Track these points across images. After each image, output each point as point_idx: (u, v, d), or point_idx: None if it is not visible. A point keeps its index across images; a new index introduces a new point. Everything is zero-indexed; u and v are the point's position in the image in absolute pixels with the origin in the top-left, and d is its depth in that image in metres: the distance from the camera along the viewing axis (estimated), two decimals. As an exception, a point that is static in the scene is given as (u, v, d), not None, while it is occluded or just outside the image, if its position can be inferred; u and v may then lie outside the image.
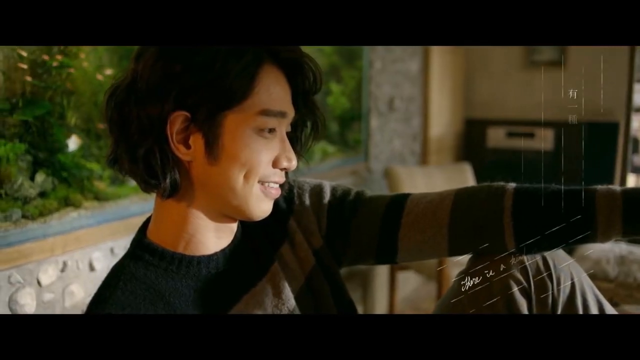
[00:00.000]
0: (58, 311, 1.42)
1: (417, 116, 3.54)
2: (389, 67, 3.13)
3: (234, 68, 0.71)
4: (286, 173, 0.82)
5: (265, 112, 0.74)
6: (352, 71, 2.77)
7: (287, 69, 0.78)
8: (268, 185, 0.78)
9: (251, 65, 0.73)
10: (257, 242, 0.86)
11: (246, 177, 0.75)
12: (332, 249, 0.90)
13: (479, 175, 3.11)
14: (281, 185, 0.82)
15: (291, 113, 0.79)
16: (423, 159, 3.64)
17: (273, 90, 0.75)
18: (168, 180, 0.73)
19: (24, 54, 1.33)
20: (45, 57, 1.39)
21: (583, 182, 0.82)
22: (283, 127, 0.79)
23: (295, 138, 0.85)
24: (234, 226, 0.83)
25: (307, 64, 0.78)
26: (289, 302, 0.83)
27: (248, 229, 0.86)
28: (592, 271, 2.14)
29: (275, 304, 0.82)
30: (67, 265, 1.44)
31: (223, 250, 0.81)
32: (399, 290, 3.02)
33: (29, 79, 1.35)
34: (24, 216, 1.34)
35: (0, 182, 1.29)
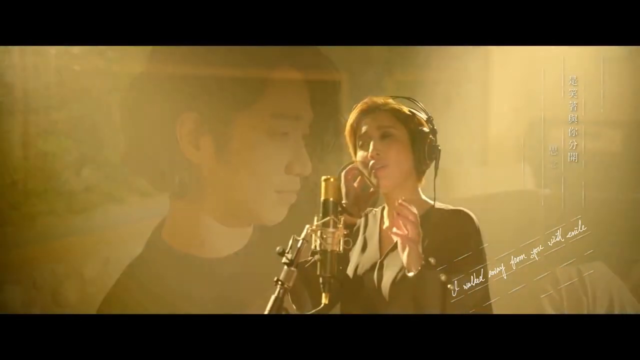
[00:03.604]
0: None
1: (476, 115, 3.43)
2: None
3: (245, 70, 0.70)
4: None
5: (278, 115, 0.72)
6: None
7: (305, 71, 0.75)
8: (283, 193, 0.76)
9: (263, 67, 0.71)
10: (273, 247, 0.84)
11: (258, 183, 0.73)
12: None
13: (538, 177, 2.98)
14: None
15: (307, 116, 0.76)
16: (482, 159, 3.53)
17: (287, 93, 0.73)
18: (176, 182, 0.73)
19: (74, 52, 1.37)
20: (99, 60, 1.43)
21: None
22: (298, 130, 0.76)
23: (315, 141, 0.82)
24: (248, 229, 0.81)
25: (325, 66, 0.76)
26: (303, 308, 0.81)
27: (264, 232, 0.84)
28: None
29: (287, 309, 0.80)
30: (110, 260, 1.47)
31: (236, 253, 0.80)
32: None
33: (77, 77, 1.39)
34: (69, 210, 1.38)
35: (47, 177, 1.33)
